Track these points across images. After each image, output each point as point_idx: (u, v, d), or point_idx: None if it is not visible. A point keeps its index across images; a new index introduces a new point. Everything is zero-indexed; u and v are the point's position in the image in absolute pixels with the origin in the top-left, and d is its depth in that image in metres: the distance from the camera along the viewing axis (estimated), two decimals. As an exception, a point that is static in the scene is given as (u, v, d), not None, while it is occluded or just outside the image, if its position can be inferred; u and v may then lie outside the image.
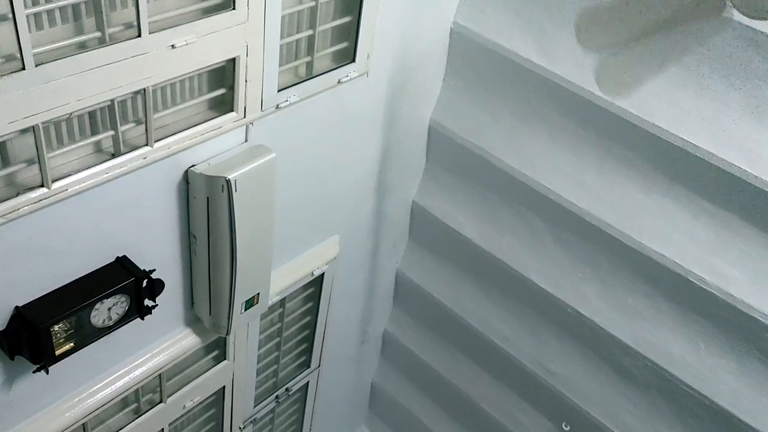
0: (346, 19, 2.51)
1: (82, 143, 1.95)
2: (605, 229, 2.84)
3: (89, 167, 1.95)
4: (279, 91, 2.35)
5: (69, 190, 1.91)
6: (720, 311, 2.66)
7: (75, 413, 2.37)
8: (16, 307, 1.99)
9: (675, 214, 2.69)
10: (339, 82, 2.56)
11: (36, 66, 1.66)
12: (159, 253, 2.33)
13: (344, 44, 2.56)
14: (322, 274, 3.16)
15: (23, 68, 1.64)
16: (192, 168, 2.23)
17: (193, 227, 2.36)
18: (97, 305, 2.08)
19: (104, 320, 2.13)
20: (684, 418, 2.92)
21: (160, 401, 2.72)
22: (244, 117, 2.28)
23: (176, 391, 2.75)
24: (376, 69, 2.72)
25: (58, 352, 2.05)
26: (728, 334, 2.69)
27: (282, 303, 3.13)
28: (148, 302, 2.24)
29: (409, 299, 3.81)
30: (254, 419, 3.38)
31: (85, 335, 2.10)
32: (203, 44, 2.00)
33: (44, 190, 1.86)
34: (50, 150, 1.87)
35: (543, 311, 3.22)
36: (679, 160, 2.60)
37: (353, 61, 2.58)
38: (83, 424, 2.43)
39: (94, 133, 1.97)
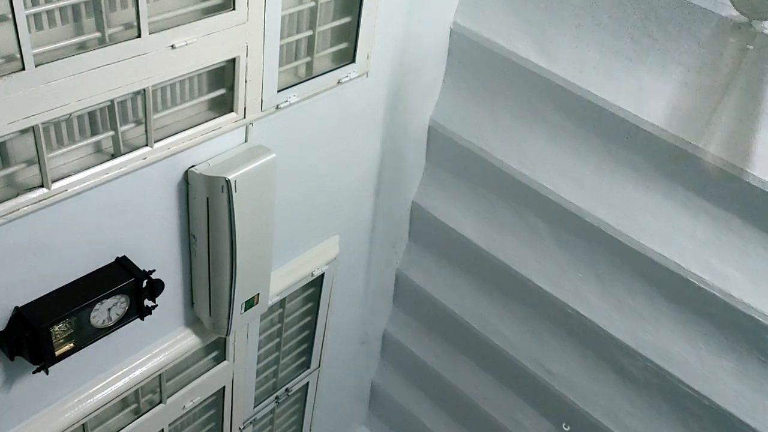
0: (346, 19, 2.51)
1: (81, 143, 1.95)
2: (605, 229, 2.84)
3: (89, 167, 1.95)
4: (279, 91, 2.35)
5: (69, 190, 1.91)
6: (720, 311, 2.66)
7: (75, 414, 2.37)
8: (16, 307, 1.99)
9: (675, 214, 2.69)
10: (339, 82, 2.56)
11: (36, 66, 1.66)
12: (159, 253, 2.33)
13: (344, 45, 2.56)
14: (322, 275, 3.16)
15: (23, 68, 1.64)
16: (192, 168, 2.23)
17: (193, 227, 2.36)
18: (97, 305, 2.08)
19: (104, 320, 2.13)
20: (684, 419, 2.92)
21: (160, 402, 2.72)
22: (244, 117, 2.28)
23: (176, 392, 2.75)
24: (376, 69, 2.72)
25: (57, 353, 2.04)
26: (728, 334, 2.69)
27: (282, 303, 3.13)
28: (147, 302, 2.24)
29: (409, 299, 3.81)
30: (254, 420, 3.38)
31: (85, 336, 2.10)
32: (203, 44, 2.00)
33: (44, 190, 1.86)
34: (50, 150, 1.87)
35: (543, 311, 3.22)
36: (679, 160, 2.60)
37: (353, 61, 2.57)
38: (83, 424, 2.43)
39: (94, 133, 1.97)
